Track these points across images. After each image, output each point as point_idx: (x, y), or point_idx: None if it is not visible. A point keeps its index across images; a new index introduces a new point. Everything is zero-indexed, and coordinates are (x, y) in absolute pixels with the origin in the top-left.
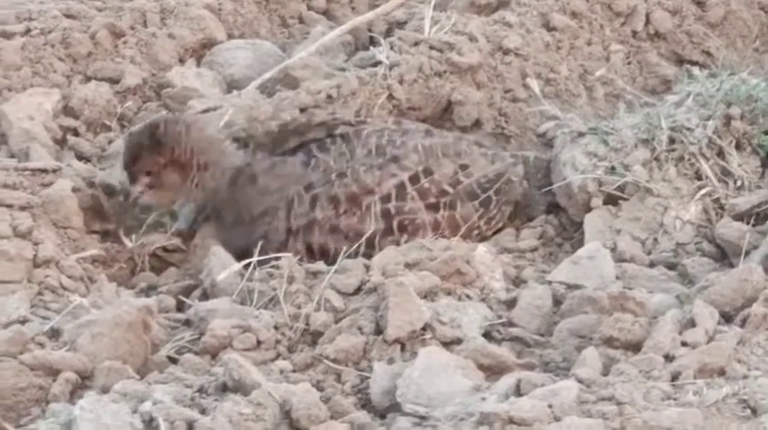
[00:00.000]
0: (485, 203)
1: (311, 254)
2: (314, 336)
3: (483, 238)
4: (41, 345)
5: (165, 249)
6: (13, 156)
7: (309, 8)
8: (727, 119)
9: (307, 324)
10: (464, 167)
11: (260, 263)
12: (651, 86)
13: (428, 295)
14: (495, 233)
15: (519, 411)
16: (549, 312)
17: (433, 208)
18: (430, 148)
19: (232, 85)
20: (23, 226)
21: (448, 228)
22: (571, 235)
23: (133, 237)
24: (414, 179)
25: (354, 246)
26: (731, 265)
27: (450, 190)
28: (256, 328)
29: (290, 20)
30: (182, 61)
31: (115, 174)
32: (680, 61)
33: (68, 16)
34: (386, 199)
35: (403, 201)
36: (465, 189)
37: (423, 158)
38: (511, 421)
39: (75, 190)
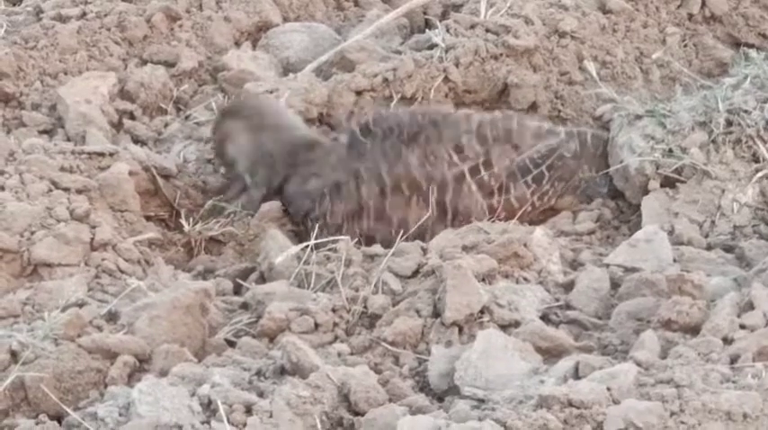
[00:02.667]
0: (537, 179)
1: (362, 240)
2: (372, 319)
3: (535, 215)
4: (99, 329)
5: (222, 233)
6: (69, 139)
7: None
8: None
9: (364, 307)
10: (516, 147)
11: (317, 246)
12: (707, 69)
13: (486, 278)
14: (550, 211)
15: (577, 394)
16: (606, 295)
17: (489, 195)
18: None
19: (288, 68)
20: (80, 209)
21: (504, 211)
22: (628, 218)
23: (191, 220)
24: (473, 171)
25: (407, 233)
26: None
27: (506, 176)
28: (314, 311)
29: (345, 2)
30: (237, 44)
31: (171, 157)
32: (736, 44)
33: (124, 0)
34: (443, 189)
35: (460, 194)
36: (518, 165)
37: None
38: (569, 404)
39: (131, 173)
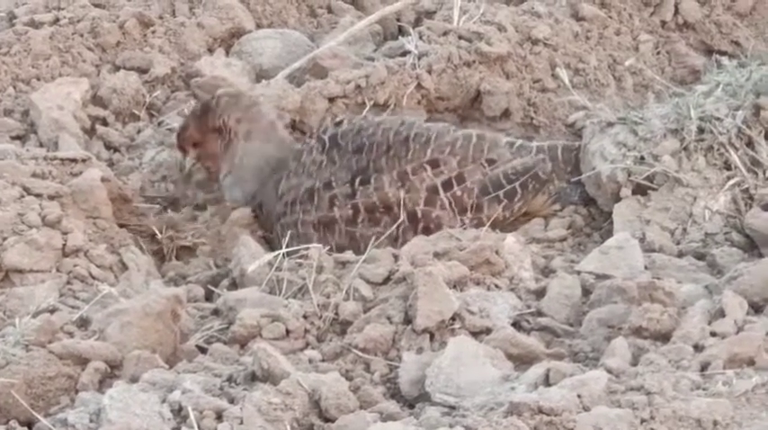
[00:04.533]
0: (509, 195)
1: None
2: (343, 326)
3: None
4: (70, 335)
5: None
6: (42, 145)
7: None
8: (757, 109)
9: (336, 313)
10: (491, 162)
11: (288, 252)
12: (680, 76)
13: (457, 285)
14: (522, 216)
15: (548, 401)
16: (578, 302)
17: (462, 212)
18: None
19: (261, 75)
20: (52, 215)
21: (471, 226)
22: (600, 225)
23: (163, 228)
24: (446, 185)
25: (379, 241)
26: (760, 255)
27: (478, 190)
28: (285, 318)
29: (318, 9)
30: (210, 50)
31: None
32: (709, 51)
33: (97, 5)
34: (414, 203)
35: (432, 207)
36: (490, 179)
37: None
38: (540, 411)
39: (104, 180)
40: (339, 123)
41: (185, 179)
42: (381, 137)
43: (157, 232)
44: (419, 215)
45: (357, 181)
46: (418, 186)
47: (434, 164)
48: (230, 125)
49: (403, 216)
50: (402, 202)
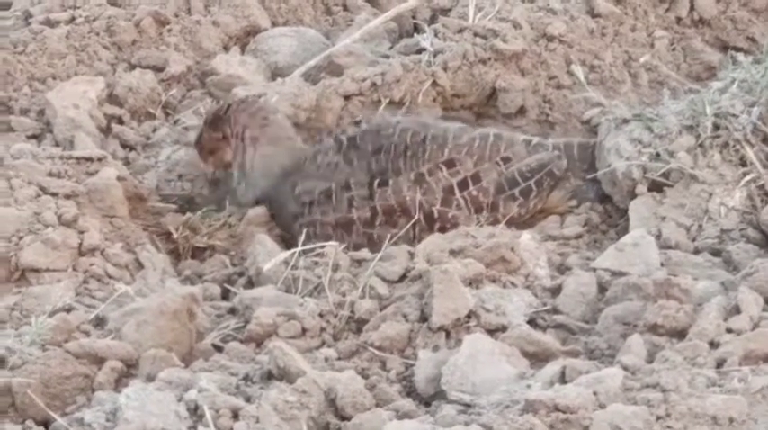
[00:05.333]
0: (525, 193)
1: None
2: (359, 324)
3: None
4: (87, 334)
5: (209, 235)
6: (58, 144)
7: None
8: None
9: (351, 311)
10: (506, 160)
11: (304, 250)
12: (695, 73)
13: (473, 282)
14: (538, 212)
15: (564, 398)
16: (593, 299)
17: (478, 211)
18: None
19: (276, 73)
20: (68, 214)
21: (487, 224)
22: (616, 222)
23: (180, 227)
24: (462, 185)
25: (394, 239)
26: None
27: (494, 190)
28: (301, 316)
29: (333, 7)
30: (226, 49)
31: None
32: (724, 47)
33: (113, 4)
34: (430, 203)
35: (448, 207)
36: (506, 177)
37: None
38: (556, 408)
39: (120, 178)
40: (358, 123)
41: (211, 185)
42: (399, 138)
43: (173, 231)
44: (435, 215)
45: (375, 183)
46: (434, 187)
47: (450, 164)
48: (240, 132)
49: (419, 215)
50: (418, 203)
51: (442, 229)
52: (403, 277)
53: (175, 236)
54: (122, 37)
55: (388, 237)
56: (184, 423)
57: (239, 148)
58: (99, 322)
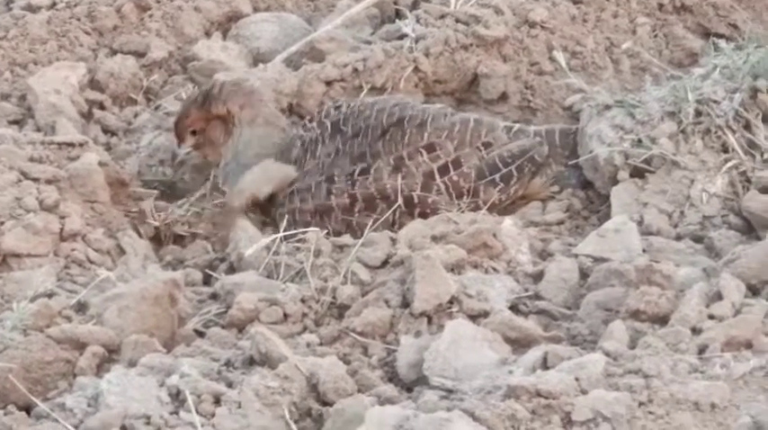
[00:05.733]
0: (505, 178)
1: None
2: (340, 310)
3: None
4: (68, 319)
5: (189, 224)
6: (39, 129)
7: None
8: (754, 91)
9: (333, 297)
10: (487, 146)
11: (286, 236)
12: (677, 59)
13: (455, 268)
14: (520, 198)
15: (546, 384)
16: (575, 285)
17: (458, 196)
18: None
19: (258, 59)
20: (50, 199)
21: (468, 210)
22: (597, 208)
23: (161, 214)
24: (443, 170)
25: (375, 225)
26: (758, 238)
27: (476, 179)
28: (283, 302)
29: None
30: (207, 34)
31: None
32: (706, 34)
33: None
34: (410, 188)
35: (428, 192)
36: (487, 162)
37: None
38: (538, 394)
39: (101, 164)
40: (338, 107)
41: (177, 167)
42: (375, 120)
43: (154, 219)
44: (416, 200)
45: (356, 171)
46: (414, 172)
47: (431, 148)
48: (234, 112)
49: (400, 201)
50: (399, 188)
51: (423, 215)
52: (385, 263)
53: (157, 223)
54: (104, 22)
55: (370, 223)
56: (166, 408)
57: (232, 129)
58: (81, 307)
